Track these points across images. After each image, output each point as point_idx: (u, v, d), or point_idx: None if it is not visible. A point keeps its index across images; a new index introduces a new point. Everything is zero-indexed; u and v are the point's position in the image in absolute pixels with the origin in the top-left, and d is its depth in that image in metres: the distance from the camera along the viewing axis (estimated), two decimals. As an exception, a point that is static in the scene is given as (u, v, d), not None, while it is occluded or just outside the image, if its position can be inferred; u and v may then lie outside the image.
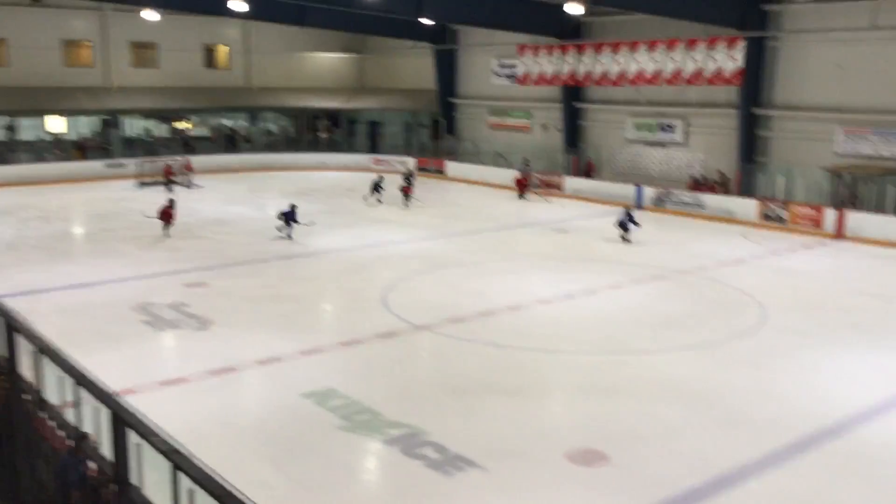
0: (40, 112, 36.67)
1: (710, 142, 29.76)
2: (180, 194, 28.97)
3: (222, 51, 42.20)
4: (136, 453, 5.57)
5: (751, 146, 27.89)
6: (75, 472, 6.18)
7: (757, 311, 16.10)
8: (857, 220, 23.51)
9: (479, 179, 35.08)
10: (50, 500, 6.74)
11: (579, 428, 10.65)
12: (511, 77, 36.00)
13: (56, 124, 37.61)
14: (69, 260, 20.34)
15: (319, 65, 44.65)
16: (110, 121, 38.56)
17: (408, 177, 30.29)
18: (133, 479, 5.64)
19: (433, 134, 40.90)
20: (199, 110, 40.98)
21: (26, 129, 36.80)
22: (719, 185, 28.50)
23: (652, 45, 29.09)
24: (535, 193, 31.24)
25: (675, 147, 30.85)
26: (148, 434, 5.02)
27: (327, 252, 21.17)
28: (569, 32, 32.37)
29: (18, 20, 36.05)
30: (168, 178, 31.86)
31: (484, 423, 10.71)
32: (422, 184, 31.62)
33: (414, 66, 41.68)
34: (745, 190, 27.54)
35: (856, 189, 24.61)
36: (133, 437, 5.42)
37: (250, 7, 29.19)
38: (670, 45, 28.56)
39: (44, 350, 6.97)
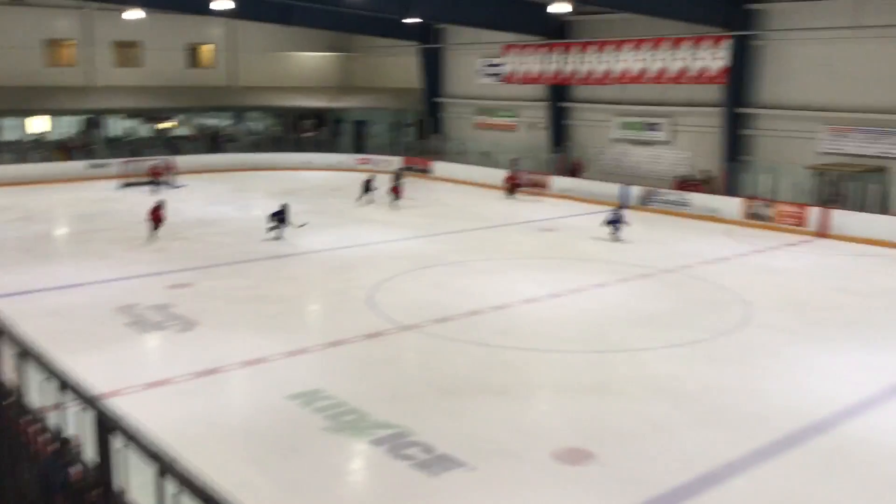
0: (22, 112, 36.34)
1: (695, 141, 29.89)
2: (163, 194, 28.81)
3: (207, 50, 41.98)
4: (120, 456, 5.53)
5: (735, 145, 28.03)
6: (59, 477, 6.12)
7: (742, 308, 16.17)
8: (841, 218, 23.68)
9: (466, 179, 35.07)
10: (33, 505, 6.68)
11: (566, 427, 10.66)
12: (497, 76, 36.01)
13: (39, 124, 37.31)
14: (52, 261, 20.17)
15: (305, 64, 44.51)
16: (93, 121, 38.29)
17: (397, 177, 30.20)
18: (118, 483, 5.59)
19: (419, 133, 40.85)
20: (184, 110, 40.73)
21: (8, 130, 36.45)
22: (704, 184, 28.62)
23: (637, 45, 29.19)
24: (525, 193, 31.25)
25: (661, 146, 30.96)
26: (133, 437, 4.98)
27: (313, 252, 21.10)
28: (554, 32, 32.42)
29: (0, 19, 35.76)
30: (154, 179, 31.68)
31: (471, 422, 10.70)
32: (408, 183, 31.53)
33: (400, 65, 41.64)
34: (730, 188, 27.67)
35: (839, 187, 24.78)
36: (117, 440, 5.38)
37: (235, 6, 29.05)
38: (656, 44, 28.66)
39: (27, 352, 6.90)
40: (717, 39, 26.98)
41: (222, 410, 11.12)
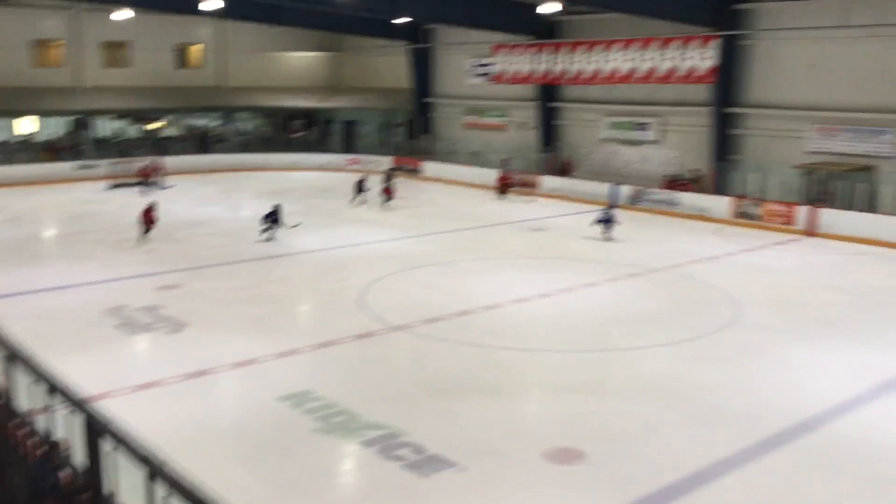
0: (10, 113, 36.15)
1: (684, 140, 29.99)
2: (153, 195, 28.71)
3: (195, 50, 41.85)
4: (109, 459, 5.51)
5: (724, 144, 28.13)
6: (48, 480, 6.10)
7: (731, 307, 16.24)
8: (829, 216, 23.80)
9: (456, 179, 35.07)
10: (22, 508, 6.65)
11: (556, 426, 10.68)
12: (486, 76, 36.03)
13: (26, 125, 37.11)
14: (41, 263, 20.07)
15: (294, 64, 44.42)
16: (82, 122, 38.12)
17: (388, 177, 30.14)
18: (107, 486, 5.58)
19: (409, 133, 40.83)
20: (172, 110, 40.59)
21: (-4, 130, 36.32)
22: (693, 183, 28.72)
23: (626, 45, 29.26)
24: (517, 193, 31.24)
25: (650, 145, 31.05)
26: (122, 440, 4.96)
27: (303, 252, 21.07)
28: (544, 31, 32.47)
29: (-13, 20, 35.58)
30: (144, 180, 31.55)
31: (462, 422, 10.71)
32: (399, 184, 31.48)
33: (389, 65, 41.61)
34: (719, 188, 27.77)
35: (827, 186, 24.90)
36: (107, 443, 5.36)
37: (224, 5, 28.97)
38: (644, 44, 28.73)
39: (15, 355, 6.87)
40: (706, 39, 27.08)
41: (212, 412, 11.10)
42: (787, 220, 24.55)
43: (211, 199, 30.27)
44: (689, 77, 27.74)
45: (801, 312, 16.03)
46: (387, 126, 42.24)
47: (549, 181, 31.95)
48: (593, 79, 30.57)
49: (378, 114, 42.10)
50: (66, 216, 26.82)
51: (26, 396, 7.06)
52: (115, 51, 39.19)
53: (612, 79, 29.93)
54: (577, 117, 33.67)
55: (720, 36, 26.89)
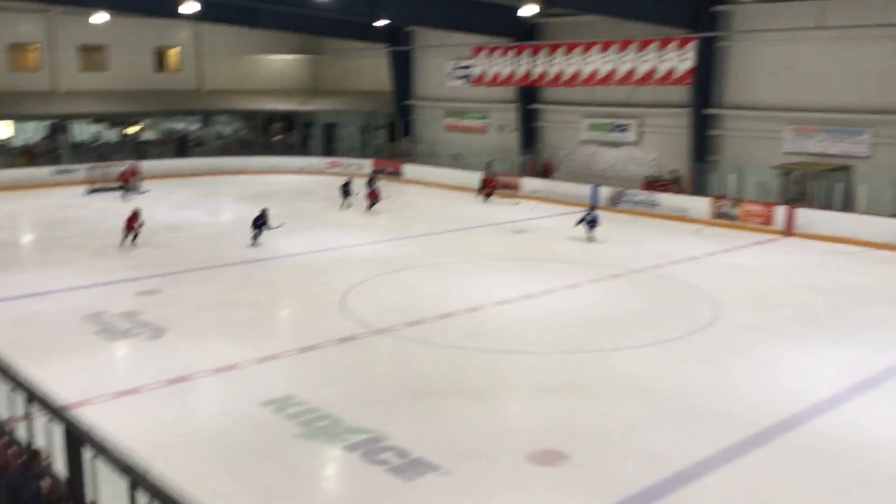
0: (-15, 118, 35.83)
1: (663, 141, 30.17)
2: (134, 200, 28.54)
3: (173, 53, 41.59)
4: (90, 466, 5.46)
5: (703, 145, 28.33)
6: (29, 489, 6.03)
7: (711, 307, 16.35)
8: (806, 216, 24.02)
9: (436, 181, 35.09)
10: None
11: (540, 428, 10.70)
12: (467, 78, 36.07)
13: (2, 130, 36.71)
14: (18, 269, 19.87)
15: (273, 67, 44.25)
16: (58, 126, 37.76)
17: (371, 181, 30.06)
18: (89, 495, 5.52)
19: (390, 136, 40.79)
20: (151, 114, 40.31)
21: (-29, 136, 35.94)
22: (673, 184, 28.89)
23: (605, 47, 29.38)
24: (502, 195, 31.22)
25: (630, 147, 31.21)
26: (104, 450, 4.92)
27: (284, 256, 20.99)
28: (523, 34, 32.56)
29: (-39, 23, 35.20)
30: (124, 184, 31.25)
31: (445, 425, 10.71)
32: (381, 186, 31.45)
33: (369, 67, 41.55)
34: (698, 188, 27.96)
35: (803, 186, 25.13)
36: (87, 451, 5.31)
37: (201, 9, 28.81)
38: (623, 46, 28.86)
39: (-7, 364, 6.80)
40: (684, 41, 27.25)
41: (194, 418, 11.03)
42: (766, 221, 24.75)
43: (191, 203, 30.08)
44: (668, 79, 27.91)
45: (781, 312, 16.16)
46: (367, 129, 42.17)
47: (530, 183, 32.02)
48: (573, 81, 30.68)
49: (358, 116, 42.04)
50: (44, 222, 26.56)
51: (5, 405, 6.98)
52: (92, 54, 38.86)
53: (592, 81, 30.05)
54: (557, 119, 33.78)
55: (698, 38, 27.08)
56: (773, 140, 26.61)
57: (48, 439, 6.25)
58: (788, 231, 24.18)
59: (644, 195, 28.29)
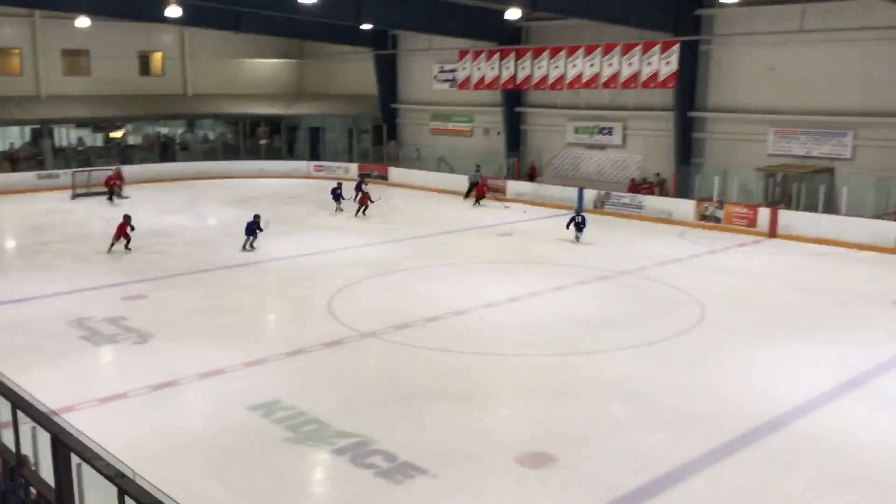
0: (-33, 123, 35.55)
1: (647, 144, 30.33)
2: (121, 206, 28.41)
3: (157, 57, 41.42)
4: (75, 473, 5.43)
5: (687, 148, 28.50)
6: (16, 498, 5.99)
7: (696, 309, 16.44)
8: (789, 218, 24.20)
9: (422, 185, 35.13)
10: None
11: (527, 430, 10.72)
12: (452, 82, 36.13)
13: (-16, 135, 36.49)
14: (1, 275, 19.70)
15: (257, 71, 44.16)
16: (41, 131, 37.52)
17: (360, 185, 30.00)
18: (77, 503, 5.50)
19: (375, 140, 40.78)
20: (134, 118, 40.13)
21: (-48, 141, 35.65)
22: (657, 187, 29.04)
23: (589, 50, 29.53)
24: (493, 199, 31.20)
25: (614, 149, 31.34)
26: (91, 458, 4.90)
27: (270, 261, 20.94)
28: (508, 37, 32.65)
29: (-58, 28, 34.93)
30: (111, 190, 31.02)
31: (433, 429, 10.71)
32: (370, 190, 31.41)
33: (354, 71, 41.54)
34: (682, 191, 28.11)
35: (786, 188, 25.32)
36: (74, 458, 5.28)
37: (185, 13, 28.72)
38: (607, 49, 29.02)
39: (-23, 371, 6.75)
40: (667, 45, 27.43)
41: (180, 424, 10.97)
42: (750, 223, 24.92)
43: (176, 207, 29.96)
44: (652, 82, 28.08)
45: (766, 313, 16.27)
46: (352, 132, 42.14)
47: (516, 186, 32.09)
48: (557, 84, 30.82)
49: (343, 120, 42.01)
50: (29, 227, 26.34)
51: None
52: (76, 59, 38.65)
53: (576, 84, 30.19)
54: (542, 122, 33.90)
55: (681, 41, 27.25)
56: (756, 142, 26.82)
57: (34, 446, 6.21)
58: (772, 233, 24.35)
59: (629, 198, 28.41)
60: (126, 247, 21.62)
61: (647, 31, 27.66)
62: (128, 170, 34.05)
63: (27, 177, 34.05)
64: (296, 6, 26.37)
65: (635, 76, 28.44)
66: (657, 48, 27.68)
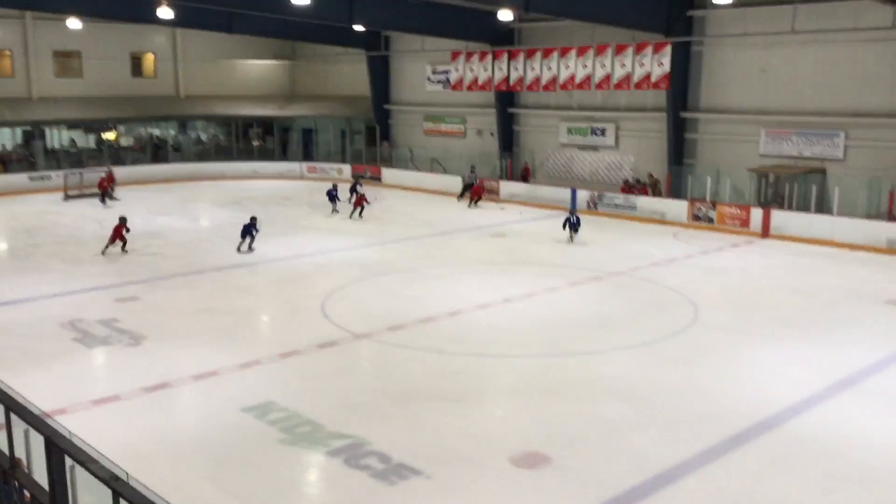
0: (-42, 125, 35.40)
1: (640, 145, 30.38)
2: (116, 207, 28.31)
3: (150, 59, 41.32)
4: (68, 475, 5.41)
5: (679, 149, 28.56)
6: (10, 501, 5.97)
7: (689, 309, 16.47)
8: (782, 218, 24.27)
9: (415, 186, 35.13)
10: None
11: (522, 431, 10.72)
12: (445, 83, 36.14)
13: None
14: (-7, 277, 19.65)
15: (250, 72, 44.10)
16: (33, 132, 37.39)
17: (355, 186, 29.95)
18: (69, 504, 5.48)
19: (368, 141, 40.77)
20: (126, 120, 40.02)
21: (-56, 143, 35.48)
22: (650, 187, 29.09)
23: (582, 51, 29.57)
24: (490, 200, 31.14)
25: (607, 150, 31.40)
26: (86, 461, 4.88)
27: (263, 262, 20.91)
28: (501, 38, 32.67)
29: (-67, 29, 34.77)
30: (103, 192, 30.88)
31: (427, 430, 10.71)
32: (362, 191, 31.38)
33: (347, 72, 41.52)
34: (675, 191, 28.17)
35: (779, 189, 25.40)
36: (68, 461, 5.26)
37: (176, 14, 28.68)
38: (599, 50, 29.08)
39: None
40: (659, 46, 27.49)
41: (174, 426, 10.94)
42: (743, 223, 24.99)
43: (168, 209, 29.88)
44: (644, 83, 28.13)
45: (759, 313, 16.32)
46: (345, 134, 42.11)
47: (510, 186, 32.12)
48: (550, 85, 30.86)
49: (336, 121, 41.97)
50: (21, 228, 26.23)
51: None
52: (67, 60, 38.53)
53: (569, 85, 30.23)
54: (535, 123, 33.93)
55: (673, 42, 27.31)
56: (748, 143, 26.91)
57: (27, 449, 6.18)
58: (765, 233, 24.42)
59: (622, 198, 28.46)
60: (123, 249, 21.55)
61: (640, 33, 27.72)
62: (120, 171, 33.92)
63: (19, 178, 33.93)
64: (288, 7, 26.37)
65: (628, 77, 28.50)
66: (649, 49, 27.75)
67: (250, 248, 21.85)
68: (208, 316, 16.03)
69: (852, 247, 22.54)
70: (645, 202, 27.90)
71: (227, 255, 21.49)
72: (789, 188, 24.89)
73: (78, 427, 7.52)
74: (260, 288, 18.81)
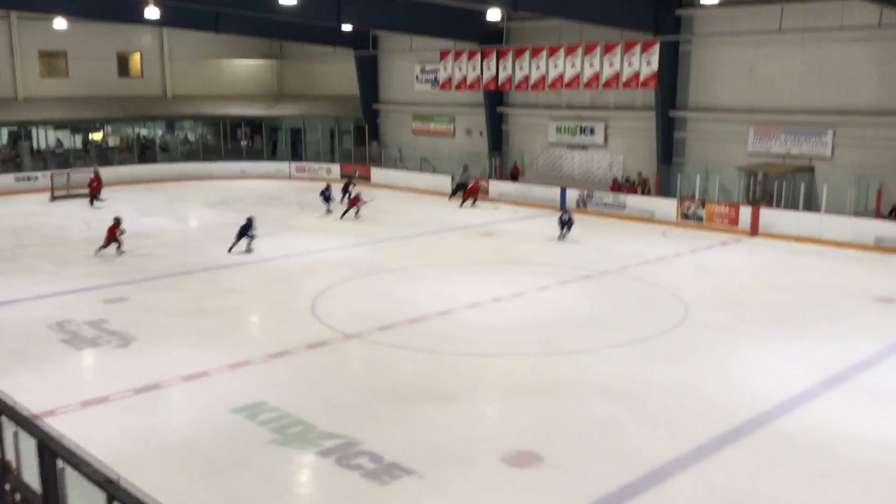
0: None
1: (629, 143, 30.44)
2: (106, 208, 28.14)
3: (135, 59, 41.10)
4: (63, 478, 5.36)
5: (668, 147, 28.63)
6: (5, 502, 5.91)
7: (679, 307, 16.51)
8: (771, 216, 24.38)
9: (405, 185, 35.09)
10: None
11: (513, 430, 10.71)
12: (433, 82, 36.11)
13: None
14: (-21, 278, 19.49)
15: (237, 72, 43.95)
16: (19, 133, 37.13)
17: (347, 187, 29.85)
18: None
19: (357, 140, 40.69)
20: (113, 120, 39.81)
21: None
22: (639, 186, 29.15)
23: (570, 50, 29.60)
24: (483, 199, 31.11)
25: (596, 149, 31.44)
26: (79, 464, 4.83)
27: (252, 262, 20.83)
28: (489, 37, 32.67)
29: (-83, 29, 34.48)
30: (92, 193, 30.62)
31: (418, 429, 10.68)
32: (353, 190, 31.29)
33: (336, 71, 41.44)
34: (664, 190, 28.24)
35: (768, 187, 25.50)
36: (60, 463, 5.21)
37: (163, 14, 28.52)
38: (588, 49, 29.12)
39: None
40: (648, 44, 27.55)
41: (164, 427, 10.87)
42: (732, 221, 25.07)
43: (156, 209, 29.73)
44: (633, 82, 28.19)
45: (748, 311, 16.37)
46: (334, 133, 42.03)
47: (499, 186, 32.12)
48: (539, 84, 30.88)
49: (325, 121, 41.87)
50: (7, 229, 26.02)
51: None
52: (53, 60, 38.32)
53: (558, 84, 30.26)
54: (524, 122, 33.95)
55: (662, 41, 27.38)
56: (737, 141, 27.00)
57: (16, 451, 6.12)
58: (754, 231, 24.51)
59: (612, 197, 28.51)
60: (118, 250, 21.39)
61: (628, 31, 27.78)
62: (107, 172, 33.68)
63: (5, 179, 33.71)
64: (275, 6, 26.25)
65: (616, 76, 28.55)
66: (638, 48, 27.80)
67: (249, 249, 21.73)
68: (198, 316, 15.95)
69: (840, 244, 22.65)
70: (634, 201, 27.96)
71: (216, 256, 21.39)
72: (778, 186, 25.00)
73: (67, 429, 7.45)
74: (250, 288, 18.72)
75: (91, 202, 30.23)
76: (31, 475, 5.73)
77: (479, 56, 32.59)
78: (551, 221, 24.32)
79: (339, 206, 28.39)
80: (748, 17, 26.11)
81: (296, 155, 40.96)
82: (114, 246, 21.36)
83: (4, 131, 37.58)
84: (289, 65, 44.89)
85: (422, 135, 38.06)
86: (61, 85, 38.26)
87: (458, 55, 33.37)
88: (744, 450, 10.05)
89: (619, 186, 29.46)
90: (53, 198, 31.55)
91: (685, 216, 26.25)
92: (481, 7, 26.25)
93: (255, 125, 42.74)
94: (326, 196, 28.55)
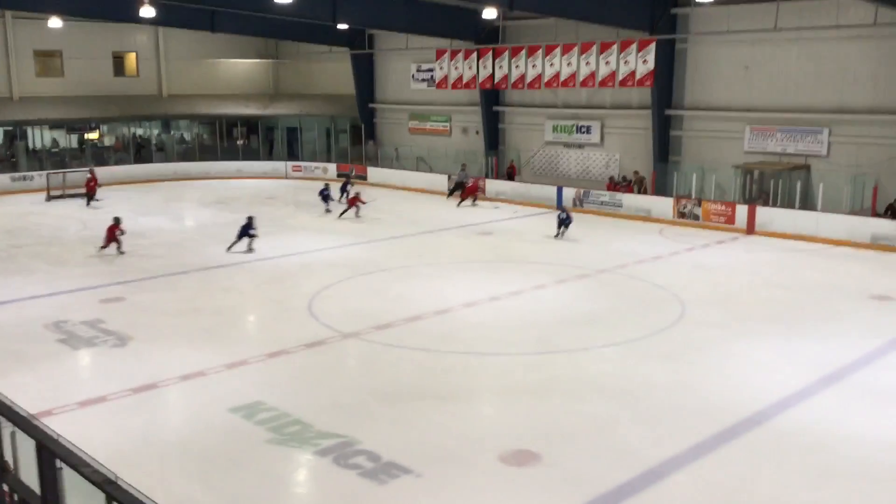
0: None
1: (625, 142, 30.46)
2: (95, 208, 28.05)
3: (131, 58, 41.01)
4: (61, 479, 5.36)
5: (665, 146, 28.66)
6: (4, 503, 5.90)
7: (676, 306, 16.52)
8: (767, 214, 24.41)
9: (401, 184, 35.08)
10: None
11: (511, 429, 10.71)
12: (429, 81, 36.10)
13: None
14: (-25, 278, 19.45)
15: (233, 71, 43.89)
16: (14, 132, 37.05)
17: (346, 186, 29.81)
18: (58, 507, 5.42)
19: (353, 140, 40.67)
20: (109, 119, 39.73)
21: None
22: (636, 185, 29.17)
23: (566, 49, 29.62)
24: (482, 199, 31.11)
25: (593, 148, 31.46)
26: (78, 464, 4.82)
27: (249, 262, 20.80)
28: (485, 37, 32.68)
29: (-89, 28, 34.38)
30: (90, 193, 30.51)
31: (416, 428, 10.69)
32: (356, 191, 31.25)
33: (331, 71, 41.40)
34: (661, 189, 28.26)
35: (764, 185, 25.54)
36: (57, 463, 5.20)
37: (158, 13, 28.47)
38: (584, 48, 29.13)
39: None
40: (644, 43, 27.58)
41: (161, 426, 10.86)
42: (728, 220, 25.10)
43: (153, 209, 29.67)
44: (629, 80, 28.22)
45: (745, 309, 16.39)
46: (330, 133, 41.99)
47: (495, 185, 32.12)
48: (535, 83, 30.89)
49: (321, 120, 41.84)
50: (3, 229, 25.94)
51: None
52: (49, 60, 38.22)
53: (554, 83, 30.28)
54: (520, 121, 33.95)
55: (658, 40, 27.40)
56: (733, 140, 27.04)
57: (14, 451, 6.11)
58: (750, 229, 24.55)
59: (608, 196, 28.53)
60: (118, 250, 21.34)
61: (624, 30, 27.81)
62: (103, 171, 33.61)
63: (1, 179, 33.63)
64: (271, 5, 26.23)
65: (612, 75, 28.58)
66: (634, 47, 27.83)
67: (250, 249, 21.69)
68: (195, 316, 15.93)
69: (837, 242, 22.69)
70: (630, 199, 27.98)
71: (213, 255, 21.36)
72: (774, 185, 25.04)
73: (64, 429, 7.44)
74: (246, 288, 18.70)
75: (88, 203, 30.16)
76: (28, 475, 5.72)
77: (475, 55, 32.60)
78: (548, 220, 24.34)
79: (337, 205, 28.37)
80: (744, 15, 26.13)
81: (292, 154, 40.93)
82: (114, 246, 21.30)
83: (0, 131, 37.47)
84: (285, 64, 44.84)
85: (418, 134, 38.05)
86: (57, 84, 38.17)
87: (454, 54, 33.37)
88: (741, 448, 10.07)
89: (615, 185, 29.48)
90: (49, 198, 31.48)
91: (682, 215, 26.27)
92: (477, 6, 26.27)
93: (251, 124, 42.66)
94: (325, 195, 28.52)
